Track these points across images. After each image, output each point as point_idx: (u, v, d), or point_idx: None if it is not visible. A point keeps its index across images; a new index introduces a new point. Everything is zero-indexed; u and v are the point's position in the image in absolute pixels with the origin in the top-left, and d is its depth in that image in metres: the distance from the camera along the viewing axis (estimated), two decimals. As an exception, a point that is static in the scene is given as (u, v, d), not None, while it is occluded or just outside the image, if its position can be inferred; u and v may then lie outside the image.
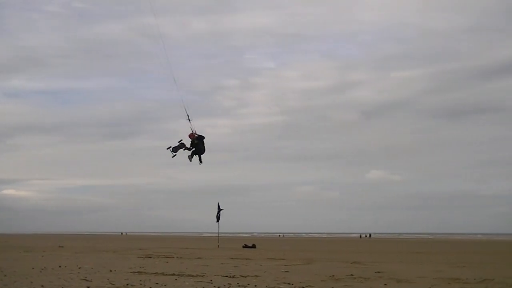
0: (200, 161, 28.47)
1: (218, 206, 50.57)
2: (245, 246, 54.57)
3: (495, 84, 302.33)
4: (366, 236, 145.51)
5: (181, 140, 27.91)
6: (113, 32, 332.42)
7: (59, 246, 50.62)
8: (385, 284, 18.32)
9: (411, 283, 18.85)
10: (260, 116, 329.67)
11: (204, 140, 28.30)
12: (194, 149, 28.12)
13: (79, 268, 23.04)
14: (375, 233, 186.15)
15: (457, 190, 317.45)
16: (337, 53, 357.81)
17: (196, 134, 27.96)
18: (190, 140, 27.86)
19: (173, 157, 27.99)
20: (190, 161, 28.55)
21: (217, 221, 50.74)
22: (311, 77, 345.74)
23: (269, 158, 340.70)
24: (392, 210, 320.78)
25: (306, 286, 17.63)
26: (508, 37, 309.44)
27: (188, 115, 27.74)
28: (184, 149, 28.46)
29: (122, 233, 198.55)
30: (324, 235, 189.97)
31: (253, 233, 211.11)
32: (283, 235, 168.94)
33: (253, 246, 54.61)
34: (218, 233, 53.35)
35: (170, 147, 27.96)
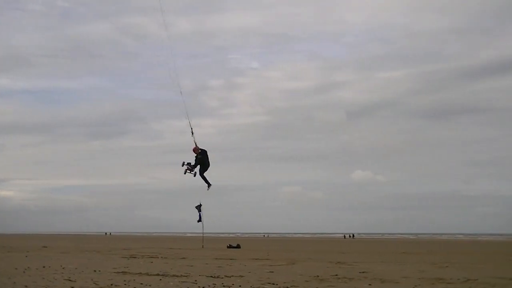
0: (208, 184, 27.99)
1: (199, 206, 50.40)
2: (230, 246, 54.54)
3: (480, 85, 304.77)
4: (350, 236, 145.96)
5: (184, 162, 27.58)
6: (99, 31, 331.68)
7: (43, 246, 50.33)
8: (369, 284, 18.38)
9: (396, 283, 18.92)
10: (244, 116, 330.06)
11: (207, 154, 27.99)
12: (198, 165, 27.74)
13: (63, 268, 22.91)
14: (359, 233, 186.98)
15: (442, 191, 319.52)
16: (322, 54, 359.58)
17: (199, 149, 27.62)
18: (195, 154, 27.60)
19: (186, 172, 27.68)
20: (194, 176, 28.15)
21: (199, 221, 50.59)
22: (296, 78, 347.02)
23: (253, 159, 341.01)
24: (376, 210, 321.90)
25: (291, 286, 17.64)
26: (493, 38, 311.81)
27: (192, 129, 27.44)
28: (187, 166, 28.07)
29: (106, 233, 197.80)
30: (308, 235, 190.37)
31: (237, 233, 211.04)
32: (268, 235, 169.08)
33: (238, 246, 54.60)
34: (203, 233, 53.23)
35: (184, 163, 27.60)
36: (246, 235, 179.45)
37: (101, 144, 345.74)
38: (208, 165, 27.71)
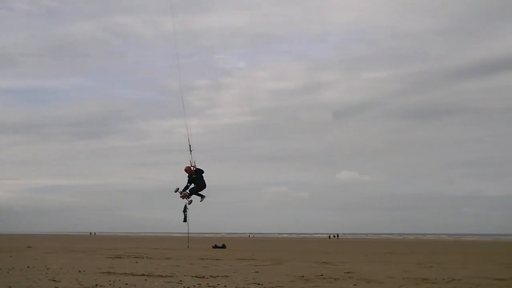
0: (202, 197, 27.52)
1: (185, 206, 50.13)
2: (215, 247, 54.51)
3: (465, 86, 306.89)
4: (334, 236, 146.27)
5: (178, 188, 27.21)
6: (84, 31, 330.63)
7: (27, 247, 50.04)
8: (354, 285, 18.43)
9: (381, 283, 18.99)
10: (230, 116, 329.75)
11: (203, 174, 27.41)
12: (193, 186, 27.26)
13: (48, 268, 22.80)
14: (343, 234, 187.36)
15: (425, 191, 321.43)
16: (307, 54, 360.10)
17: (194, 167, 26.99)
18: (187, 174, 26.97)
19: (188, 202, 27.34)
20: (186, 210, 27.69)
21: (184, 221, 50.32)
22: (282, 78, 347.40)
23: (239, 159, 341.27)
24: (361, 210, 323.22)
25: (276, 286, 17.66)
26: (477, 39, 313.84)
27: (190, 145, 26.91)
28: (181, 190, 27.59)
29: (91, 233, 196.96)
30: (293, 236, 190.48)
31: (222, 233, 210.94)
32: (253, 236, 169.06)
33: (223, 247, 54.57)
34: (188, 233, 53.05)
35: (179, 189, 27.22)
36: (232, 235, 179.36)
37: (86, 144, 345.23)
38: (205, 186, 27.27)
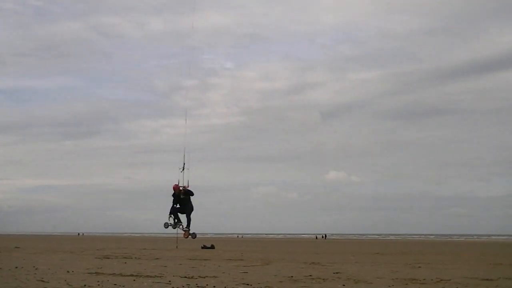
0: (188, 224, 27.11)
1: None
2: (204, 247, 54.40)
3: (453, 87, 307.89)
4: (322, 237, 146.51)
5: (167, 223, 27.00)
6: (71, 30, 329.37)
7: (15, 247, 49.83)
8: (343, 285, 18.47)
9: (369, 283, 19.03)
10: (218, 117, 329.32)
11: (192, 196, 26.93)
12: (179, 206, 26.87)
13: (36, 269, 22.71)
14: (331, 234, 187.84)
15: (414, 191, 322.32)
16: (295, 54, 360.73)
17: (182, 187, 26.41)
18: (174, 191, 26.50)
19: (174, 227, 27.13)
20: (173, 227, 27.35)
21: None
22: (269, 78, 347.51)
23: (227, 159, 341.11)
24: (350, 211, 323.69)
25: (265, 287, 17.67)
26: (466, 40, 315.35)
27: (184, 164, 26.46)
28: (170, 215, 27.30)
29: (79, 234, 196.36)
30: (281, 236, 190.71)
31: (210, 233, 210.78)
32: (242, 236, 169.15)
33: (212, 247, 54.50)
34: (177, 233, 53.01)
35: (167, 223, 26.97)
36: (220, 236, 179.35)
37: (74, 144, 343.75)
38: (192, 209, 26.95)
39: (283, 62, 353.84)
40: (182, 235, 27.77)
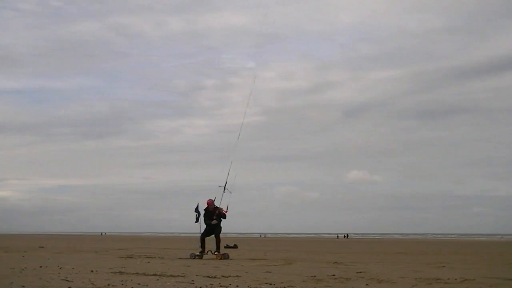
0: (218, 246, 26.88)
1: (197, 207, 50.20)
2: (227, 247, 54.48)
3: (472, 85, 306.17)
4: (344, 236, 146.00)
5: (193, 254, 26.99)
6: (90, 31, 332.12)
7: (40, 247, 50.22)
8: (366, 285, 18.39)
9: (393, 283, 18.94)
10: (239, 116, 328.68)
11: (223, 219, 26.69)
12: (208, 229, 26.79)
13: (60, 268, 22.88)
14: (354, 233, 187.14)
15: (435, 191, 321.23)
16: (315, 53, 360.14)
17: (216, 207, 26.15)
18: (207, 206, 26.34)
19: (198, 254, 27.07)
20: (200, 258, 27.27)
21: (197, 221, 50.34)
22: (289, 78, 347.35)
23: (248, 158, 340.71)
24: (371, 210, 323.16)
25: (288, 286, 17.64)
26: (484, 38, 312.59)
27: (226, 183, 26.31)
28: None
29: (102, 234, 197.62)
30: (303, 235, 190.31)
31: (233, 233, 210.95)
32: (264, 236, 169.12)
33: (235, 246, 54.60)
34: (200, 233, 53.10)
35: (193, 254, 27.01)
36: (243, 235, 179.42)
37: (93, 144, 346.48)
38: (221, 230, 26.88)
39: (302, 61, 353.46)
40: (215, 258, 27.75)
